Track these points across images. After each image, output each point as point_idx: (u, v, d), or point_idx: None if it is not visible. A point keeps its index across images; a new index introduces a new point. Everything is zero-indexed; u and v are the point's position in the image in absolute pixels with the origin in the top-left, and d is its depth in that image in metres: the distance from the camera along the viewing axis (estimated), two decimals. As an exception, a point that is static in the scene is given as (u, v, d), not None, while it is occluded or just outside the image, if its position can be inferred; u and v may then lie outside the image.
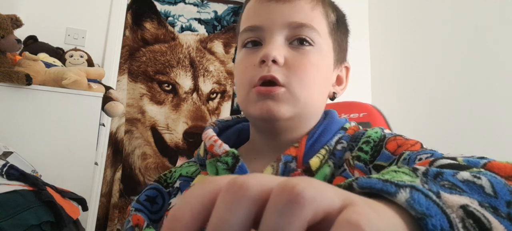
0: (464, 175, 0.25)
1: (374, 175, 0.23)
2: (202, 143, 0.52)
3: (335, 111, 0.55)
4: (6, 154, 1.09)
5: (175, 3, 2.43)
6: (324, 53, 0.50)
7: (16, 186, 0.95)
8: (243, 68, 0.49)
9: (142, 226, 0.48)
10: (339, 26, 0.54)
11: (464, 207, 0.21)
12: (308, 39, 0.48)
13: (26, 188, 0.96)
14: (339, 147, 0.48)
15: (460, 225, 0.20)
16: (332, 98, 0.54)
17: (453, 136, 1.78)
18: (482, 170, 0.28)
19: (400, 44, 2.27)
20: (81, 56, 1.80)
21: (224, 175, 0.32)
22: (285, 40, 0.48)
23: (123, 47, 2.20)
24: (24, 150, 1.19)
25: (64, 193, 1.08)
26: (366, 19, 2.56)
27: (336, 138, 0.49)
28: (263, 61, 0.46)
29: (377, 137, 0.46)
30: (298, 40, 0.48)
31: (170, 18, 2.39)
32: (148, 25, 2.34)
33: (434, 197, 0.21)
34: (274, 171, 0.45)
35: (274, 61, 0.46)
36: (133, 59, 2.27)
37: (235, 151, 0.47)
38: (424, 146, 0.43)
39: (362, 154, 0.44)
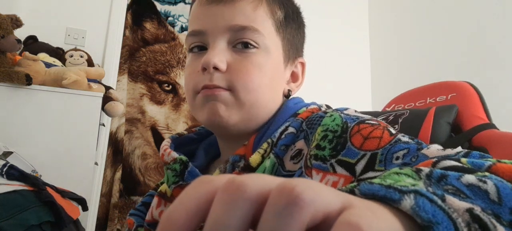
0: (470, 178, 0.24)
1: (376, 180, 0.22)
2: None
3: (295, 99, 0.53)
4: (6, 154, 1.09)
5: (175, 3, 2.43)
6: (271, 53, 0.49)
7: (16, 186, 0.95)
8: (188, 73, 0.49)
9: (132, 229, 0.52)
10: (289, 23, 0.52)
11: (470, 211, 0.21)
12: (251, 42, 0.47)
13: (26, 188, 0.96)
14: (283, 136, 0.46)
15: (465, 230, 0.20)
16: (287, 96, 0.53)
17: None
18: (487, 173, 0.26)
19: (400, 44, 2.27)
20: (81, 56, 1.80)
21: (218, 175, 0.31)
22: (228, 44, 0.47)
23: (123, 47, 2.20)
24: (24, 150, 1.19)
25: (64, 193, 1.08)
26: (366, 19, 2.55)
27: (281, 128, 0.47)
28: (205, 69, 0.46)
29: (336, 125, 0.42)
30: (242, 44, 0.47)
31: (170, 18, 2.39)
32: (148, 25, 2.34)
33: (439, 202, 0.20)
34: (221, 173, 0.46)
35: (215, 68, 0.45)
36: (133, 59, 2.27)
37: (184, 157, 0.48)
38: (389, 129, 0.41)
39: (319, 152, 0.41)
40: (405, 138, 0.38)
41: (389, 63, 2.34)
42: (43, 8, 1.96)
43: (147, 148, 2.23)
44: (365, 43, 2.52)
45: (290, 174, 0.44)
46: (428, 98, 0.86)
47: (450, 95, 0.82)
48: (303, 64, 0.56)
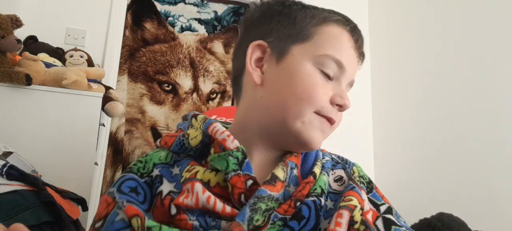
0: None
1: None
2: (198, 134, 0.53)
3: None
4: (6, 154, 1.09)
5: (175, 3, 2.43)
6: None
7: (16, 186, 0.95)
8: (318, 92, 0.51)
9: (143, 220, 0.44)
10: None
11: None
12: None
13: (26, 188, 0.96)
14: (324, 161, 0.56)
15: None
16: None
17: (452, 134, 1.78)
18: None
19: (400, 42, 2.27)
20: (81, 56, 1.80)
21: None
22: None
23: (123, 47, 2.20)
24: (24, 150, 1.19)
25: (64, 193, 1.08)
26: (366, 16, 2.55)
27: (319, 154, 0.56)
28: (340, 105, 0.52)
29: (366, 176, 0.56)
30: None
31: (170, 18, 2.39)
32: (148, 25, 2.34)
33: None
34: (284, 174, 0.49)
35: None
36: (133, 59, 2.27)
37: (243, 148, 0.49)
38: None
39: (364, 180, 0.55)
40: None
41: (389, 64, 2.34)
42: (43, 8, 1.96)
43: (147, 148, 2.23)
44: (365, 43, 2.52)
45: (336, 192, 0.52)
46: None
47: None
48: None
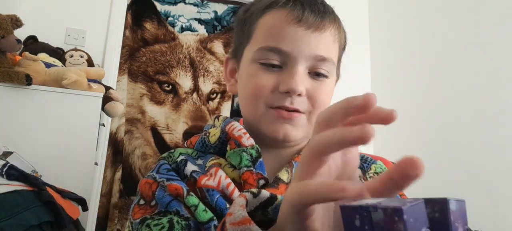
0: None
1: None
2: (217, 131, 0.54)
3: None
4: (6, 154, 1.09)
5: (175, 3, 2.43)
6: (333, 80, 0.54)
7: (16, 186, 0.95)
8: (258, 86, 0.50)
9: (183, 194, 0.46)
10: (344, 49, 0.57)
11: None
12: (326, 73, 0.50)
13: (26, 188, 0.96)
14: None
15: None
16: None
17: (452, 134, 1.78)
18: None
19: (400, 42, 2.27)
20: (81, 56, 1.80)
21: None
22: (306, 69, 0.49)
23: (123, 47, 2.20)
24: (24, 150, 1.19)
25: (64, 193, 1.08)
26: (366, 16, 2.55)
27: None
28: (287, 92, 0.48)
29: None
30: (316, 72, 0.50)
31: (170, 18, 2.39)
32: (148, 25, 2.34)
33: None
34: (289, 175, 0.49)
35: (298, 95, 0.48)
36: (133, 59, 2.27)
37: (259, 148, 0.50)
38: None
39: None
40: None
41: (389, 61, 2.34)
42: (43, 8, 1.96)
43: (147, 148, 2.23)
44: (365, 43, 2.52)
45: None
46: None
47: None
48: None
